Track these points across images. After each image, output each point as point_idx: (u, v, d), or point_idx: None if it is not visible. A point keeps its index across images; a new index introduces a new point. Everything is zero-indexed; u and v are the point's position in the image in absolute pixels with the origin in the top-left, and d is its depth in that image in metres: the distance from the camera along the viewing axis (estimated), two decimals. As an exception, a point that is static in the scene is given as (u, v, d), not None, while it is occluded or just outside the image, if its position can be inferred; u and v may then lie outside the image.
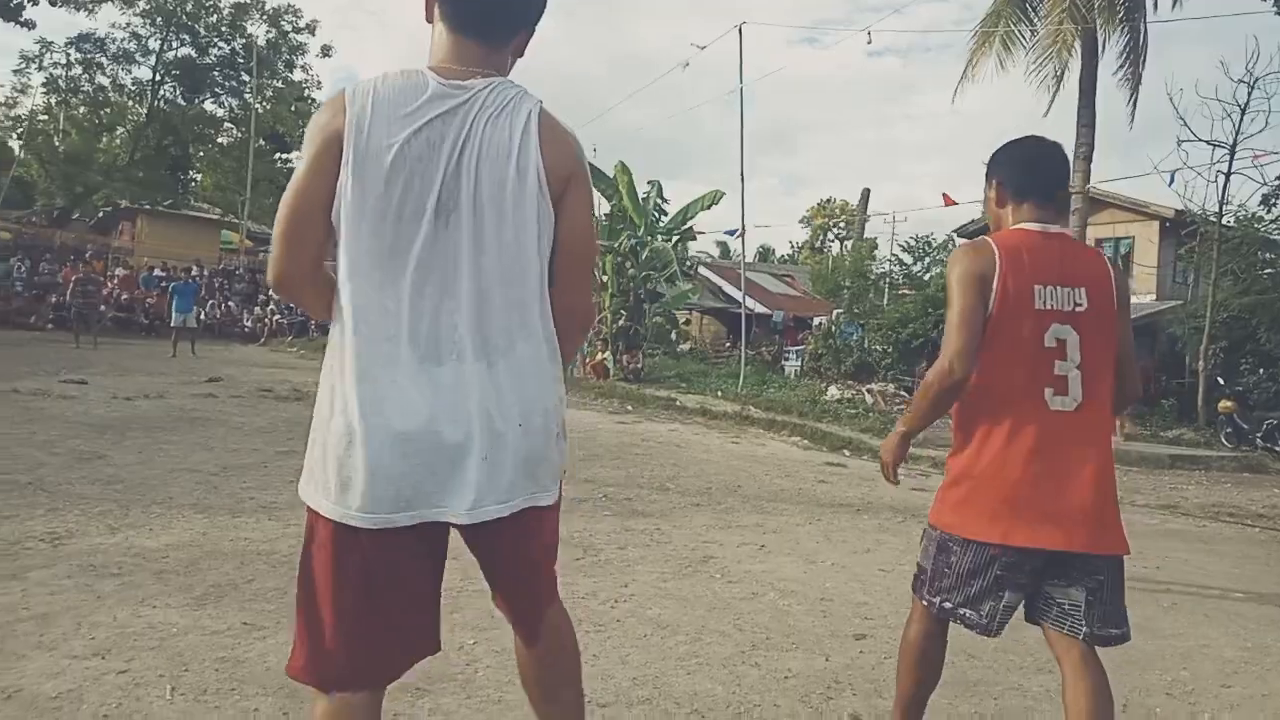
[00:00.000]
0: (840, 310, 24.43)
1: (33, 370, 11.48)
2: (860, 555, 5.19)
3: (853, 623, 3.88)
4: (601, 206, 20.54)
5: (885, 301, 24.06)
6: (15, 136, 38.25)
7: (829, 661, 3.37)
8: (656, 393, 14.67)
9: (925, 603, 2.33)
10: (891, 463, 2.47)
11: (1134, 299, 16.75)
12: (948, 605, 2.27)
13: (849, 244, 36.02)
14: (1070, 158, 14.44)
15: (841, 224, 44.56)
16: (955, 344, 2.15)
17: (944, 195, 17.28)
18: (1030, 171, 2.33)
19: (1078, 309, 2.16)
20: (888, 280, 27.22)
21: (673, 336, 23.70)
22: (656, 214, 20.06)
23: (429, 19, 1.67)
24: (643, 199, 19.36)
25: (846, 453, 10.20)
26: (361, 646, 1.58)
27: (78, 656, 2.83)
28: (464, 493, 1.53)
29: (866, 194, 32.00)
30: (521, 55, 1.74)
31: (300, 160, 1.58)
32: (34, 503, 4.74)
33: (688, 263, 21.88)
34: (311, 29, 36.96)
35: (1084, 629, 2.15)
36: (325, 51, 39.31)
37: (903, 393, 15.27)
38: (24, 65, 34.49)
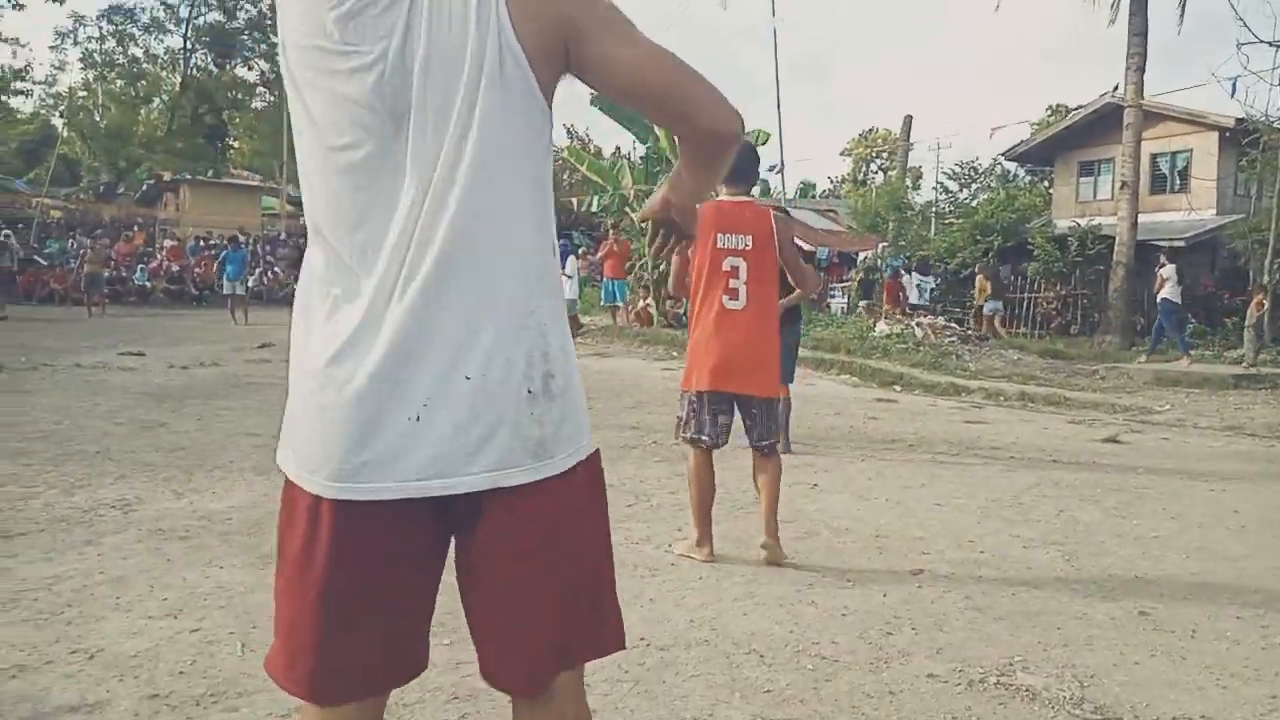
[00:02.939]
0: (885, 244, 23.95)
1: (92, 345, 11.80)
2: (914, 490, 5.14)
3: (909, 558, 3.86)
4: (637, 149, 20.30)
5: (932, 232, 23.49)
6: (58, 114, 38.93)
7: (886, 598, 3.36)
8: (701, 336, 14.62)
9: (686, 439, 3.72)
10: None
11: (1194, 214, 16.33)
12: (695, 435, 3.67)
13: (892, 174, 35.14)
14: (1123, 69, 13.78)
15: (885, 154, 43.51)
16: (672, 275, 3.94)
17: (991, 130, 16.78)
18: None
19: (745, 248, 3.63)
20: (934, 210, 26.53)
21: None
22: (693, 154, 19.73)
23: None
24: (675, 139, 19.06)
25: (897, 388, 10.08)
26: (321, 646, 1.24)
27: (153, 617, 2.93)
28: (377, 463, 1.18)
29: (909, 121, 30.95)
30: None
31: None
32: (103, 471, 4.89)
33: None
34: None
35: (754, 440, 3.71)
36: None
37: (953, 325, 14.99)
38: (60, 42, 34.90)
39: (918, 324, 13.99)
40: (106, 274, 19.28)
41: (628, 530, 4.13)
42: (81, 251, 20.39)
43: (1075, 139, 22.26)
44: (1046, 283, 17.98)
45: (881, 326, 14.12)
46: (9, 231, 19.98)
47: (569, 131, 36.72)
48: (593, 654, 1.35)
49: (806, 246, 6.68)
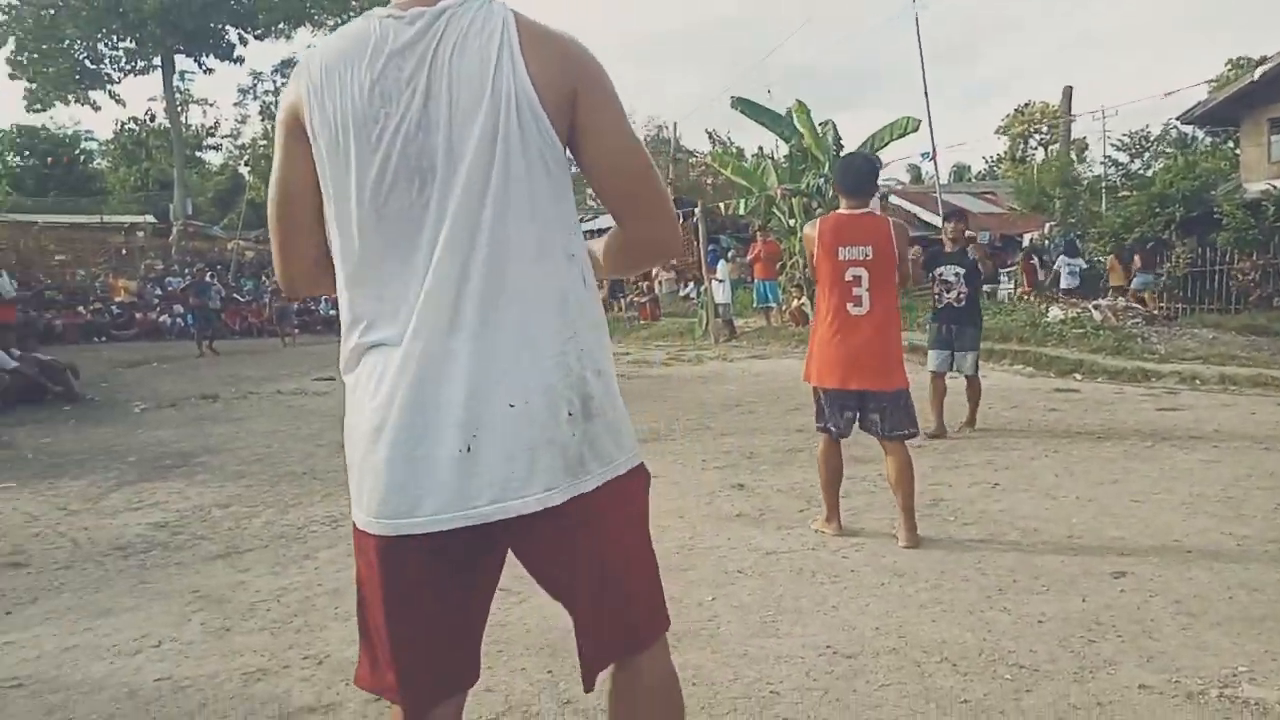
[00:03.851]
0: (1052, 223, 22.59)
1: (289, 372, 12.86)
2: (1107, 486, 4.84)
3: (1108, 559, 3.65)
4: (780, 149, 20.08)
5: (1103, 207, 21.94)
6: (244, 164, 42.68)
7: (1086, 603, 3.19)
8: (859, 333, 14.25)
9: (819, 428, 4.09)
10: None
11: None
12: (824, 426, 4.05)
13: (1054, 149, 33.08)
14: None
15: (1044, 129, 41.06)
16: (811, 271, 4.28)
17: (1164, 94, 15.43)
18: (843, 178, 4.11)
19: (866, 258, 3.90)
20: (1103, 184, 24.76)
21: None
22: (836, 150, 19.37)
23: None
24: (819, 136, 18.73)
25: (1077, 376, 9.49)
26: (395, 663, 1.38)
27: (369, 626, 3.18)
28: (435, 495, 1.26)
29: (1069, 92, 29.07)
30: None
31: (274, 153, 1.39)
32: (311, 490, 5.34)
33: (878, 193, 20.98)
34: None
35: (881, 432, 3.95)
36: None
37: (1135, 305, 13.95)
38: (242, 98, 38.31)
39: (1095, 306, 13.11)
40: (295, 306, 20.96)
41: (801, 536, 4.12)
42: (271, 287, 22.27)
43: (1264, 94, 20.18)
44: (1240, 253, 16.45)
45: (1055, 311, 13.33)
46: (212, 273, 22.06)
47: (711, 136, 36.79)
48: (650, 638, 1.48)
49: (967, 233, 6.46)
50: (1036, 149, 44.39)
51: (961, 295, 6.55)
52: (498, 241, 1.26)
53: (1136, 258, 16.68)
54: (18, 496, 5.37)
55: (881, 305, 3.93)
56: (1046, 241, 21.11)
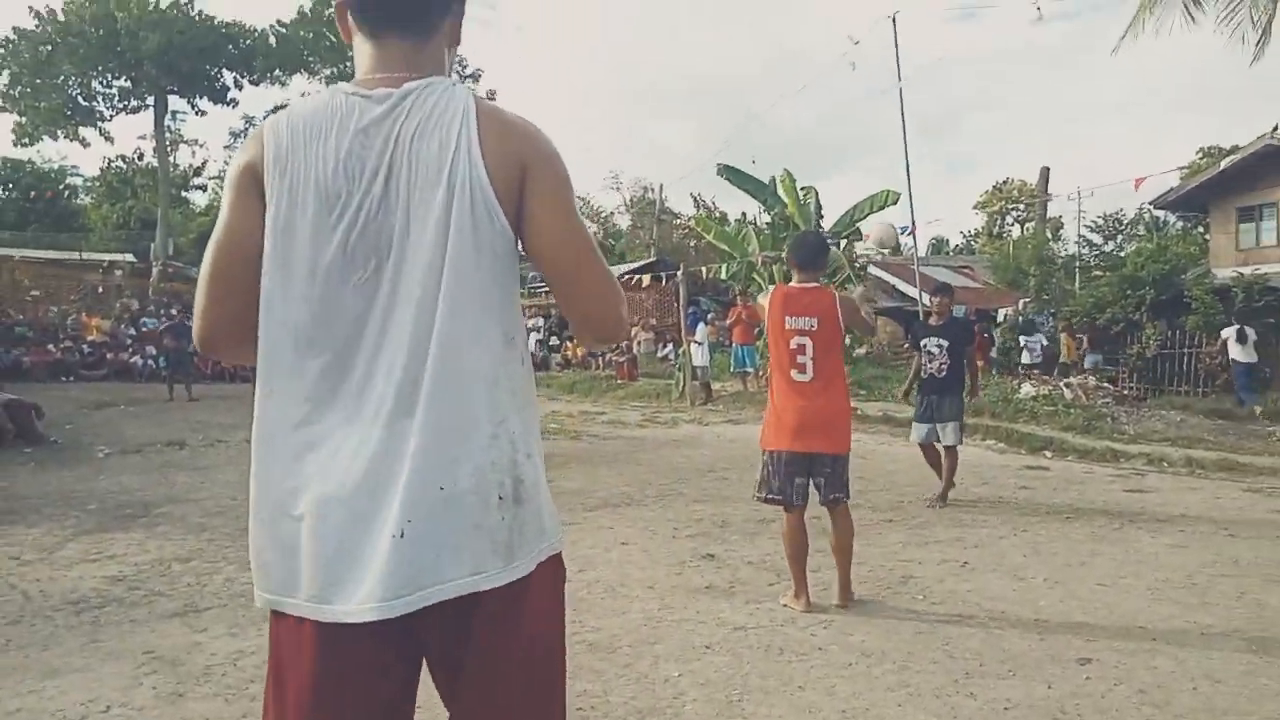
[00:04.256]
0: (1027, 300, 23.00)
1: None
2: (1074, 569, 4.86)
3: (1074, 645, 3.65)
4: (762, 215, 20.42)
5: (1076, 285, 22.38)
6: (229, 207, 42.64)
7: (1051, 690, 3.18)
8: (835, 401, 14.31)
9: (760, 498, 4.21)
10: None
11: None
12: (769, 495, 4.13)
13: (1030, 226, 33.87)
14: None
15: (1021, 206, 42.05)
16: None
17: (1135, 181, 15.83)
18: (794, 253, 4.39)
19: (811, 329, 4.13)
20: (1077, 263, 25.29)
21: (846, 341, 23.01)
22: (817, 218, 19.71)
23: (347, 38, 1.41)
24: (801, 205, 19.08)
25: (1048, 454, 9.58)
26: None
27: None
28: (361, 582, 1.23)
29: (1046, 172, 29.89)
30: (458, 44, 1.45)
31: (222, 205, 1.37)
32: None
33: (857, 263, 21.31)
34: (476, 78, 38.95)
35: (822, 495, 4.14)
36: (491, 97, 41.38)
37: (1106, 385, 14.16)
38: (233, 141, 38.48)
39: (1066, 384, 13.30)
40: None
41: (771, 611, 4.09)
42: None
43: (1232, 184, 20.90)
44: (1208, 337, 16.81)
45: (1027, 388, 13.50)
46: (189, 315, 21.87)
47: (696, 201, 37.35)
48: None
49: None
50: (1013, 226, 45.39)
51: (943, 367, 6.83)
52: (444, 324, 1.26)
53: (1084, 338, 17.51)
54: (-29, 542, 5.24)
55: (826, 372, 4.16)
56: (1020, 318, 21.48)
